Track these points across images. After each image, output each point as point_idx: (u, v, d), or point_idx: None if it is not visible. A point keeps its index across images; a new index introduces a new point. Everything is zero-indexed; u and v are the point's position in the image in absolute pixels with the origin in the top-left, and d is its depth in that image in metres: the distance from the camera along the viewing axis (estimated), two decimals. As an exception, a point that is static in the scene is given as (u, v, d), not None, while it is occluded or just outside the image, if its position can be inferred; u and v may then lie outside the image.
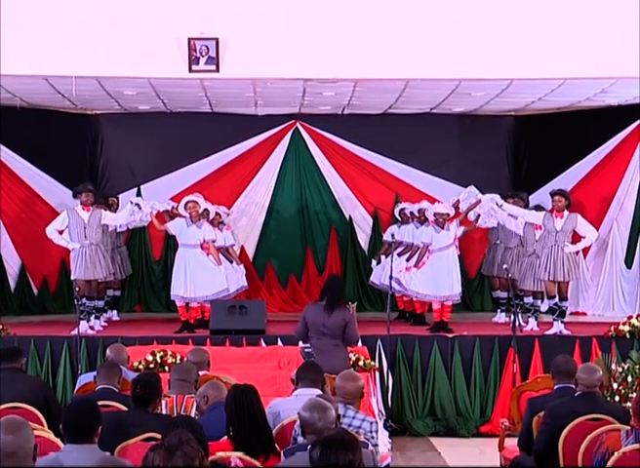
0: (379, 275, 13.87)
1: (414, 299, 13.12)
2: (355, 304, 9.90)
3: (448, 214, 12.59)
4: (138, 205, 12.54)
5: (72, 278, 12.14)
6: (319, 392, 6.63)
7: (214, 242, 12.55)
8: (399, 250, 13.46)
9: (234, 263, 13.31)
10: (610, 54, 10.86)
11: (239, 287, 13.15)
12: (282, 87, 12.27)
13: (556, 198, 11.91)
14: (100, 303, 12.95)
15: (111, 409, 6.82)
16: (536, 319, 12.61)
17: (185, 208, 12.44)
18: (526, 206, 13.22)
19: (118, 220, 12.66)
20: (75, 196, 12.40)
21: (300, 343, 9.61)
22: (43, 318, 14.09)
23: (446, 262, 12.46)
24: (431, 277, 12.49)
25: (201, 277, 12.27)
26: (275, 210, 15.67)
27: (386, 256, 13.50)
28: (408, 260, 12.95)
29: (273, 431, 6.20)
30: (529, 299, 12.78)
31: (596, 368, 7.14)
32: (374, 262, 14.19)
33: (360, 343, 11.18)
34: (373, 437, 6.24)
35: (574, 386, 7.05)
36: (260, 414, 5.84)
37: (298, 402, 6.06)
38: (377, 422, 6.46)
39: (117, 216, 12.69)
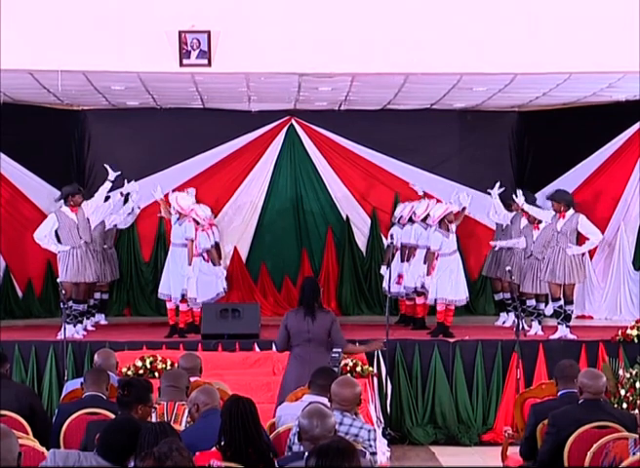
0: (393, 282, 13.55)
1: (417, 302, 13.00)
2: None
3: (451, 212, 12.44)
4: (128, 195, 12.71)
5: (59, 280, 11.98)
6: (326, 401, 6.47)
7: (192, 241, 12.37)
8: (405, 255, 13.22)
9: (216, 266, 13.00)
10: (617, 47, 10.76)
11: (212, 296, 12.84)
12: (276, 82, 12.17)
13: (552, 203, 11.98)
14: (87, 307, 12.78)
15: (99, 416, 6.74)
16: (539, 323, 12.51)
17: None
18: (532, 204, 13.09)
19: (96, 202, 12.35)
20: (65, 198, 12.17)
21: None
22: (28, 322, 14.00)
23: (449, 267, 12.31)
24: (439, 279, 12.34)
25: (174, 276, 12.19)
26: (269, 209, 15.54)
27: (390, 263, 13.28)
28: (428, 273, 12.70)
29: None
30: (531, 302, 12.62)
31: (600, 373, 7.06)
32: (383, 268, 13.82)
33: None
34: (371, 445, 6.16)
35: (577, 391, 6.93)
36: (255, 430, 5.62)
37: (300, 408, 6.00)
38: (375, 430, 6.34)
39: (94, 200, 12.35)
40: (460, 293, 12.29)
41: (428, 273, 12.41)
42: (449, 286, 12.24)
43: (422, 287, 12.61)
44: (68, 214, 12.04)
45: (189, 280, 12.19)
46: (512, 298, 12.61)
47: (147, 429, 5.19)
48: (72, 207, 12.06)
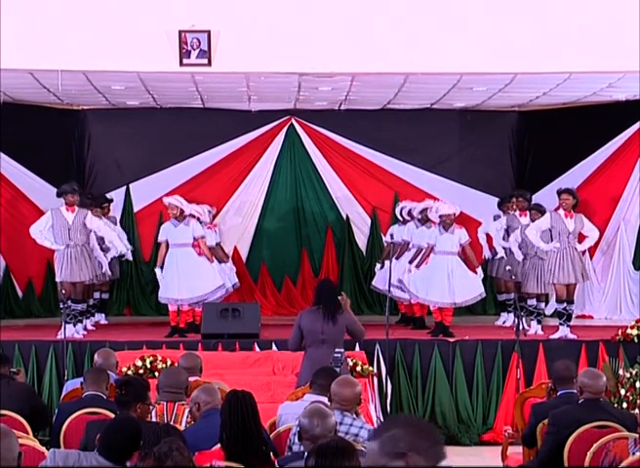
0: (381, 279, 13.52)
1: (412, 302, 12.90)
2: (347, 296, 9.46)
3: (454, 214, 12.25)
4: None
5: (57, 280, 12.01)
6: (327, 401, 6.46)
7: (203, 238, 12.33)
8: (397, 253, 13.15)
9: (223, 265, 12.99)
10: (617, 47, 10.72)
11: (233, 283, 12.92)
12: (276, 81, 12.14)
13: (564, 196, 11.77)
14: (87, 306, 12.75)
15: (99, 416, 6.73)
16: (539, 322, 12.44)
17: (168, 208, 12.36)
18: (529, 204, 13.09)
19: (101, 232, 12.33)
20: (60, 195, 12.14)
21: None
22: (28, 322, 13.97)
23: (449, 268, 12.16)
24: (429, 279, 12.24)
25: (194, 276, 12.07)
26: (269, 209, 15.52)
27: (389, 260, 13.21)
28: (411, 262, 12.59)
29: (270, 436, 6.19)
30: (532, 302, 12.56)
31: (600, 373, 7.06)
32: (378, 266, 13.83)
33: (358, 348, 11.14)
34: None
35: (576, 391, 6.91)
36: (255, 423, 5.64)
37: (302, 407, 6.04)
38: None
39: (103, 230, 12.34)
40: (459, 295, 12.15)
41: (417, 267, 12.31)
42: (447, 288, 12.10)
43: (400, 282, 12.53)
44: (64, 214, 11.95)
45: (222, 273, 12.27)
46: (519, 298, 12.52)
47: (151, 429, 5.19)
48: (69, 206, 11.98)
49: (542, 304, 12.64)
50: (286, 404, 7.15)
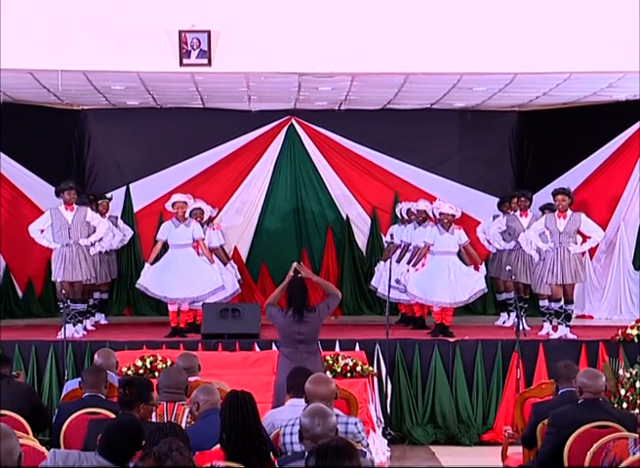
0: (379, 279, 13.52)
1: (411, 302, 12.85)
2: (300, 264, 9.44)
3: (453, 216, 12.24)
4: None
5: (52, 279, 12.00)
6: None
7: (203, 240, 12.32)
8: (397, 255, 13.17)
9: (228, 266, 12.98)
10: (617, 47, 10.74)
11: (235, 289, 12.83)
12: (276, 81, 12.16)
13: (559, 197, 11.73)
14: (87, 306, 12.73)
15: (99, 416, 6.72)
16: (551, 323, 12.26)
17: (173, 207, 12.25)
18: (530, 203, 13.11)
19: (100, 226, 12.28)
20: (58, 194, 12.11)
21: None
22: (28, 322, 13.98)
23: (449, 267, 12.09)
24: (429, 280, 12.19)
25: (193, 276, 12.04)
26: (269, 209, 15.55)
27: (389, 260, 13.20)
28: (409, 263, 12.57)
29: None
30: (544, 303, 12.41)
31: (599, 373, 7.04)
32: (380, 264, 13.79)
33: (358, 348, 11.17)
34: (363, 438, 6.19)
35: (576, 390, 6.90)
36: (255, 423, 5.64)
37: (292, 412, 6.07)
38: (360, 421, 6.36)
39: (101, 222, 12.32)
40: (461, 294, 12.09)
41: (412, 264, 12.31)
42: (448, 287, 12.05)
43: (398, 282, 12.49)
44: (63, 213, 11.90)
45: (222, 275, 12.27)
46: (519, 298, 12.48)
47: (158, 429, 5.20)
48: (68, 205, 11.92)
49: (553, 304, 12.50)
50: (274, 411, 7.03)
